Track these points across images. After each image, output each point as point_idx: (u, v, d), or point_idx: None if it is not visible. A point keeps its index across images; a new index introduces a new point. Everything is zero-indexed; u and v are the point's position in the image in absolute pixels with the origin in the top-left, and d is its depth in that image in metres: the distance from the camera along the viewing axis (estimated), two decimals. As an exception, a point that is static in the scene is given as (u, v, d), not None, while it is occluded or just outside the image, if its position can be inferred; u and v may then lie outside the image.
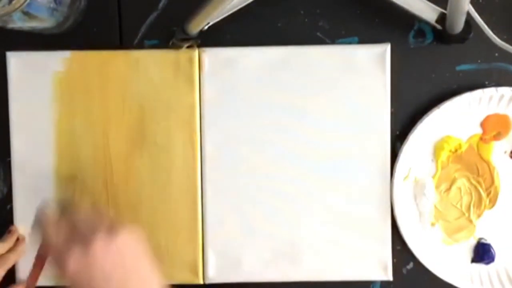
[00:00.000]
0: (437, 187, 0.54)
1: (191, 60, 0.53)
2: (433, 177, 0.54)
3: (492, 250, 0.53)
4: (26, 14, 0.45)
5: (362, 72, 0.52)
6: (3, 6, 0.43)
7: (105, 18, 0.54)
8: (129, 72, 0.53)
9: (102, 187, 0.53)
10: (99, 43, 0.54)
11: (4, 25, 0.46)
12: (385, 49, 0.52)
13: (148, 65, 0.53)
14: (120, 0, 0.54)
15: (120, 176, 0.53)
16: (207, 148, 0.53)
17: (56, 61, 0.53)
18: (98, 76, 0.53)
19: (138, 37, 0.54)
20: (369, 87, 0.53)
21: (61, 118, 0.53)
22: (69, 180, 0.53)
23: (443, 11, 0.50)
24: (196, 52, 0.53)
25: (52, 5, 0.48)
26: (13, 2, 0.43)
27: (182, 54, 0.53)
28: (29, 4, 0.44)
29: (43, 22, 0.49)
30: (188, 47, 0.53)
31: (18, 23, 0.46)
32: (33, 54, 0.53)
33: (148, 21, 0.54)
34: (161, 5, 0.54)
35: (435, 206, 0.54)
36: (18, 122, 0.53)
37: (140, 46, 0.54)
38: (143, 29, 0.54)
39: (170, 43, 0.53)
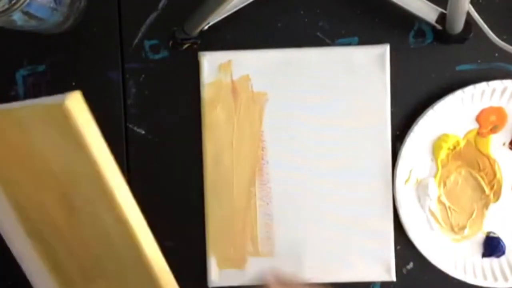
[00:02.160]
0: (439, 186, 0.54)
1: (64, 115, 0.38)
2: (435, 176, 0.54)
3: (502, 243, 0.53)
4: (26, 14, 0.45)
5: (362, 73, 0.52)
6: (3, 6, 0.43)
7: (105, 18, 0.54)
8: (16, 133, 0.44)
9: (69, 255, 0.48)
10: (99, 43, 0.54)
11: (4, 25, 0.46)
12: (385, 49, 0.52)
13: (31, 123, 0.42)
14: (120, 0, 0.54)
15: (76, 242, 0.47)
16: (209, 152, 0.53)
17: None
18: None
19: (138, 37, 0.54)
20: (369, 88, 0.52)
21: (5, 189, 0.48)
22: None
23: (443, 11, 0.50)
24: (71, 102, 0.38)
25: (52, 5, 0.48)
26: (13, 2, 0.43)
27: (53, 108, 0.39)
28: (29, 4, 0.44)
29: (43, 22, 0.48)
30: (188, 47, 0.53)
31: (18, 23, 0.46)
32: None
33: (148, 21, 0.54)
34: (161, 5, 0.54)
35: (440, 205, 0.54)
36: None
37: (140, 46, 0.54)
38: (143, 29, 0.54)
39: (170, 43, 0.53)
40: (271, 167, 0.53)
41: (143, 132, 0.55)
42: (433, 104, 0.52)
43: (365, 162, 0.53)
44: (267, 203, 0.53)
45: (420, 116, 0.52)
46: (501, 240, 0.53)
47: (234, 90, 0.53)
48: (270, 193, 0.53)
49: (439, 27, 0.51)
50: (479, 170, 0.54)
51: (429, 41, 0.54)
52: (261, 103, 0.53)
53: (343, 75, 0.52)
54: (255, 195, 0.53)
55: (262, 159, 0.53)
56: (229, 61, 0.53)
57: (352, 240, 0.53)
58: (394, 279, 0.53)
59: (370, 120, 0.53)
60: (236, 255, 0.53)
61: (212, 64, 0.53)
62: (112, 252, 0.46)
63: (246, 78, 0.53)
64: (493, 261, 0.54)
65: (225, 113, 0.53)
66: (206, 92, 0.53)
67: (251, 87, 0.53)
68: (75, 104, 0.38)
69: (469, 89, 0.52)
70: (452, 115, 0.53)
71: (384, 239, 0.53)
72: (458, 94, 0.52)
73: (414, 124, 0.52)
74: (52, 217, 0.47)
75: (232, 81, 0.53)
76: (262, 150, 0.53)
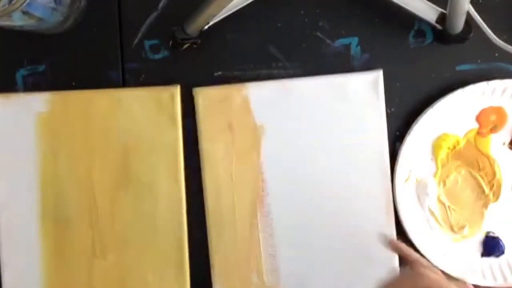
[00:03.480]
0: (439, 185, 0.54)
1: (172, 97, 0.52)
2: (434, 176, 0.54)
3: (501, 243, 0.53)
4: (26, 13, 0.45)
5: (356, 100, 0.52)
6: (3, 6, 0.43)
7: (105, 18, 0.54)
8: (111, 111, 0.53)
9: (87, 226, 0.53)
10: (99, 43, 0.54)
11: (4, 25, 0.46)
12: (378, 75, 0.52)
13: (131, 103, 0.53)
14: (120, 0, 0.54)
15: (106, 215, 0.53)
16: (209, 186, 0.53)
17: (38, 102, 0.52)
18: (81, 115, 0.52)
19: (138, 37, 0.54)
20: (364, 114, 0.52)
21: (45, 160, 0.52)
22: None
23: (443, 11, 0.50)
24: (177, 89, 0.53)
25: (52, 5, 0.48)
26: (13, 2, 0.43)
27: (164, 91, 0.53)
28: (29, 4, 0.44)
29: (43, 22, 0.48)
30: (188, 47, 0.53)
31: (18, 22, 0.46)
32: (15, 96, 0.53)
33: (148, 21, 0.54)
34: (161, 5, 0.54)
35: (439, 205, 0.54)
36: (0, 165, 0.53)
37: (140, 46, 0.54)
38: (143, 29, 0.54)
39: (170, 43, 0.53)
40: (272, 198, 0.53)
41: (143, 132, 0.55)
42: (433, 104, 0.52)
43: (365, 190, 0.52)
44: (270, 234, 0.53)
45: (420, 116, 0.52)
46: (500, 240, 0.53)
47: (230, 124, 0.53)
48: (273, 224, 0.53)
49: (439, 27, 0.51)
50: (479, 169, 0.54)
51: (429, 41, 0.54)
52: (258, 134, 0.53)
53: (338, 103, 0.52)
54: (257, 227, 0.53)
55: (263, 190, 0.53)
56: (225, 95, 0.52)
57: (354, 244, 0.52)
58: None
59: (368, 146, 0.52)
60: (239, 275, 0.53)
61: (206, 99, 0.52)
62: (146, 225, 0.52)
63: (242, 111, 0.52)
64: (492, 260, 0.54)
65: (223, 146, 0.53)
66: (203, 127, 0.53)
67: (248, 119, 0.52)
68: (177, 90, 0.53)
69: (469, 89, 0.52)
70: (452, 114, 0.53)
71: (388, 267, 0.52)
72: (458, 94, 0.52)
73: (414, 123, 0.52)
74: (93, 190, 0.53)
75: (229, 115, 0.52)
76: (262, 182, 0.53)
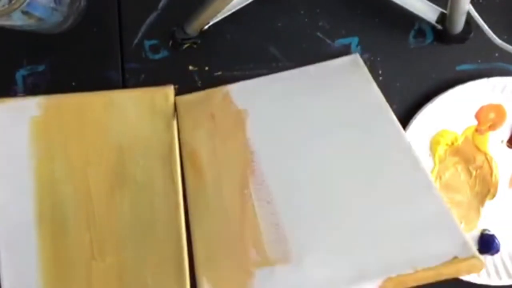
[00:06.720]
0: (436, 181, 0.54)
1: (166, 98, 0.53)
2: (432, 171, 0.54)
3: (497, 241, 0.53)
4: (26, 13, 0.45)
5: (338, 84, 0.51)
6: (3, 5, 0.43)
7: (105, 18, 0.54)
8: (105, 113, 0.52)
9: (85, 229, 0.52)
10: (99, 43, 0.54)
11: (4, 25, 0.46)
12: (354, 58, 0.52)
13: (125, 105, 0.52)
14: (120, 0, 0.54)
15: (103, 217, 0.52)
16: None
17: (32, 106, 0.52)
18: (75, 118, 0.52)
19: (138, 37, 0.54)
20: (358, 99, 0.50)
21: (40, 163, 0.52)
22: None
23: (443, 11, 0.50)
24: (171, 89, 0.53)
25: (52, 5, 0.48)
26: (13, 1, 0.43)
27: (158, 92, 0.53)
28: (28, 4, 0.44)
29: (43, 22, 0.48)
30: (188, 47, 0.53)
31: (18, 22, 0.46)
32: (7, 101, 0.52)
33: (148, 21, 0.54)
34: (161, 5, 0.54)
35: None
36: None
37: (140, 46, 0.54)
38: (143, 29, 0.54)
39: (170, 43, 0.53)
40: (265, 166, 0.49)
41: (143, 132, 0.54)
42: (433, 99, 0.52)
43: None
44: (268, 202, 0.47)
45: (420, 111, 0.52)
46: (496, 238, 0.53)
47: (212, 115, 0.52)
48: (269, 191, 0.48)
49: (439, 27, 0.51)
50: (476, 166, 0.54)
51: (429, 41, 0.54)
52: (242, 116, 0.51)
53: (320, 88, 0.51)
54: (250, 197, 0.48)
55: (252, 161, 0.49)
56: (206, 96, 0.52)
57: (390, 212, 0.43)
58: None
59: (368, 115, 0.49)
60: (238, 270, 0.45)
61: (187, 105, 0.52)
62: (144, 226, 0.52)
63: (224, 103, 0.52)
64: (487, 258, 0.54)
65: (204, 132, 0.51)
66: (184, 124, 0.52)
67: (229, 107, 0.52)
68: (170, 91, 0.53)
69: (469, 85, 0.52)
70: (451, 111, 0.53)
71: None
72: (458, 90, 0.52)
73: (413, 118, 0.52)
74: (89, 193, 0.52)
75: (210, 109, 0.52)
76: (251, 154, 0.50)
